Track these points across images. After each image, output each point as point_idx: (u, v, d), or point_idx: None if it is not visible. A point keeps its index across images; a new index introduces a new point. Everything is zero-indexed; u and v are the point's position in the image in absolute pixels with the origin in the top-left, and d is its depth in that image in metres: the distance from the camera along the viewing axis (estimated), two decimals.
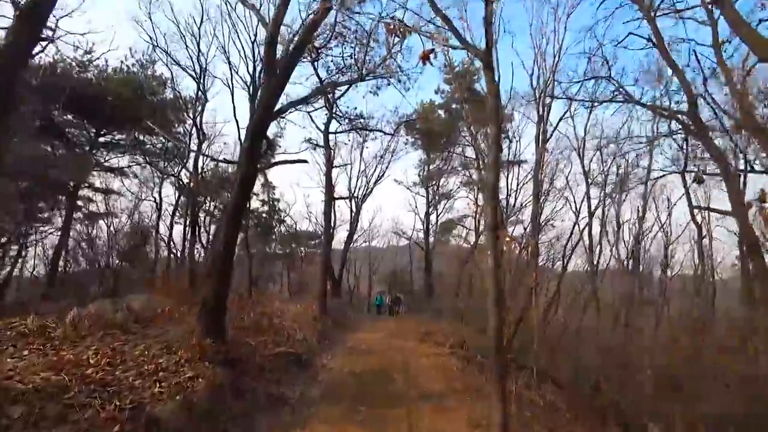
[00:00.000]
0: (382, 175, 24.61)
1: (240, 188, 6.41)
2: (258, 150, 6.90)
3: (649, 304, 17.35)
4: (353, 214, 24.43)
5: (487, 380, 9.13)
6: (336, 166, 18.32)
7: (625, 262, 19.60)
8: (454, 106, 20.70)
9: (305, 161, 11.64)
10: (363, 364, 8.99)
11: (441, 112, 21.59)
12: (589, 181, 19.06)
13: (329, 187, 13.76)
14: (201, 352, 5.81)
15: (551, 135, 12.94)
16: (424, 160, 25.64)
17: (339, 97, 15.73)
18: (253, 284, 19.68)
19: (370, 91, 17.13)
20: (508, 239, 10.89)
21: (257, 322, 9.57)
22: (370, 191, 24.28)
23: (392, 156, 24.34)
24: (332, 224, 15.54)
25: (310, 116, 16.43)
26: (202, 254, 21.90)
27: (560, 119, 13.36)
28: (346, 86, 15.71)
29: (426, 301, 25.08)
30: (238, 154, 6.74)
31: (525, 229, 17.11)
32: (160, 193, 20.27)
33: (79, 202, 18.66)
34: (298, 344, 9.41)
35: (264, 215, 24.38)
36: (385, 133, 16.97)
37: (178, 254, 19.24)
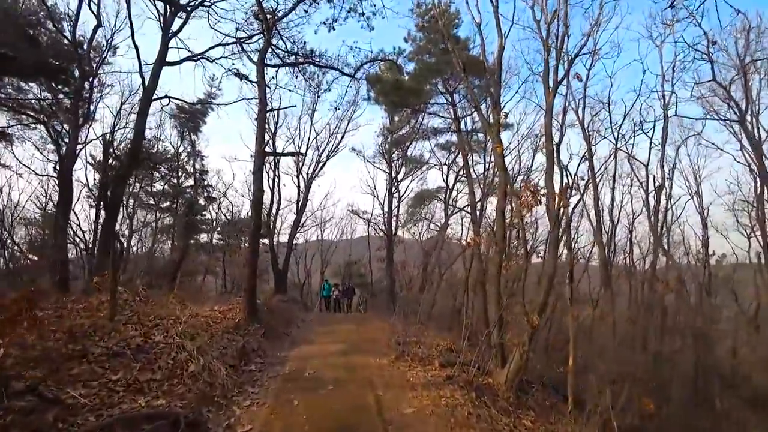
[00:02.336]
0: (337, 146, 20.41)
1: None
2: None
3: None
4: (302, 194, 19.99)
5: None
6: (273, 110, 13.78)
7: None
8: (426, 57, 16.91)
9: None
10: (308, 417, 4.87)
11: (411, 64, 17.78)
12: (591, 143, 15.94)
13: (261, 136, 9.27)
14: None
15: (567, 72, 9.38)
16: (388, 127, 21.56)
17: (280, 19, 11.28)
18: (170, 280, 14.97)
19: (324, 23, 12.86)
20: (531, 192, 7.18)
21: (114, 345, 5.21)
22: (323, 164, 19.97)
23: (349, 122, 20.21)
24: (264, 184, 10.95)
25: (242, 46, 11.90)
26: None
27: (577, 53, 9.70)
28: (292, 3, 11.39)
29: (388, 297, 21.22)
30: None
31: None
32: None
33: None
34: (188, 382, 5.16)
35: (188, 191, 19.23)
36: (342, 74, 12.64)
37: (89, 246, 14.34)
